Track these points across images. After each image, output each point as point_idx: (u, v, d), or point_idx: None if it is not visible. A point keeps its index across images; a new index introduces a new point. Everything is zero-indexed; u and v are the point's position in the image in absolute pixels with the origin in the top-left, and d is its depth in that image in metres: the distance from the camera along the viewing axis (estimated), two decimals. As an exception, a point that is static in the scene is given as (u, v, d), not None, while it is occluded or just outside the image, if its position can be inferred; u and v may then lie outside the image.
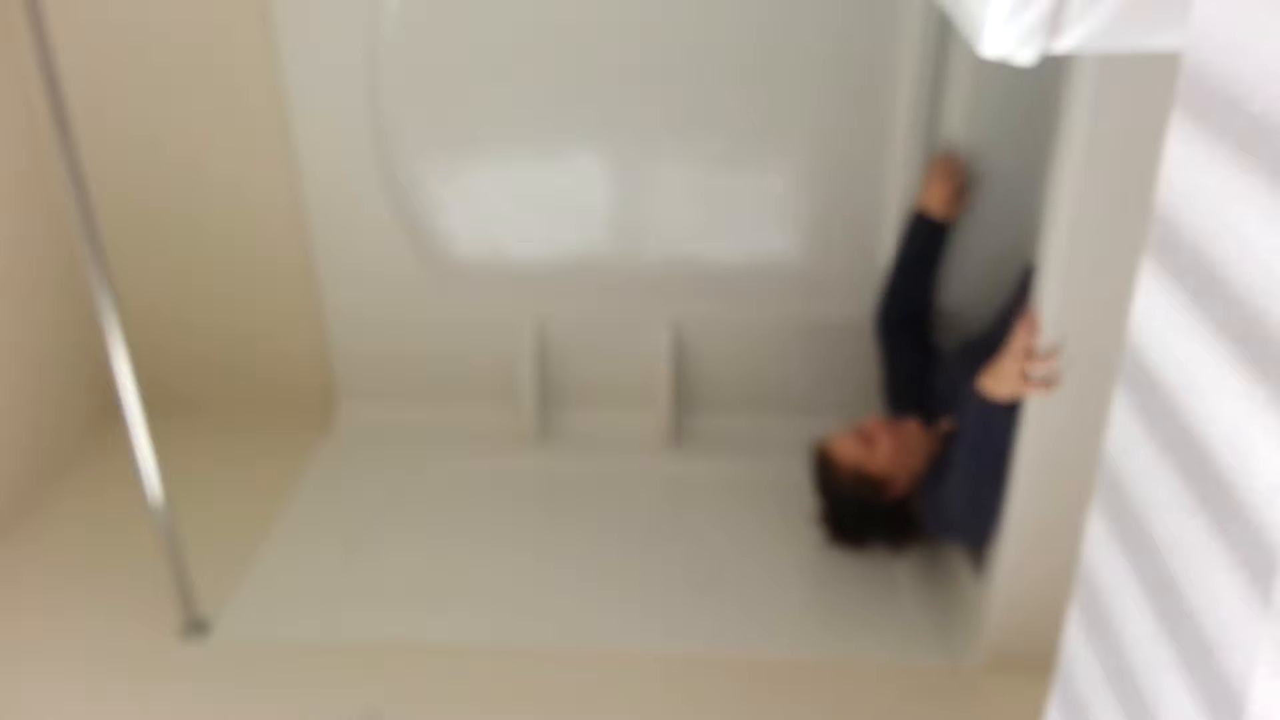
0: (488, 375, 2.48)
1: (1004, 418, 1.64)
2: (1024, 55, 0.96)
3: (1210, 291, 0.59)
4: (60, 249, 2.33)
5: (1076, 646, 0.78)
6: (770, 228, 2.31)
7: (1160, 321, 0.65)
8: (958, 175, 2.06)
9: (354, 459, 2.41)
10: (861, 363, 2.39)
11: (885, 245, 2.29)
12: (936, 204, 2.07)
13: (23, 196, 2.25)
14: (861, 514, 2.04)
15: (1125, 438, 0.70)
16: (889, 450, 1.97)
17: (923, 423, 2.04)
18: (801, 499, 2.20)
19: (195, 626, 1.91)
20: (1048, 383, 1.52)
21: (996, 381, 1.61)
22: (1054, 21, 0.93)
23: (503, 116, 2.25)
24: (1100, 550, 0.74)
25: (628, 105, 2.22)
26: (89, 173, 1.66)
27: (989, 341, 1.85)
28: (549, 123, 2.25)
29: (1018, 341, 1.55)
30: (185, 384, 2.54)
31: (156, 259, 2.43)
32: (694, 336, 2.42)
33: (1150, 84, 1.28)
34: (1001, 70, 1.94)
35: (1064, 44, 0.94)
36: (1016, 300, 1.92)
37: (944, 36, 2.10)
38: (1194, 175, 0.61)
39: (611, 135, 2.25)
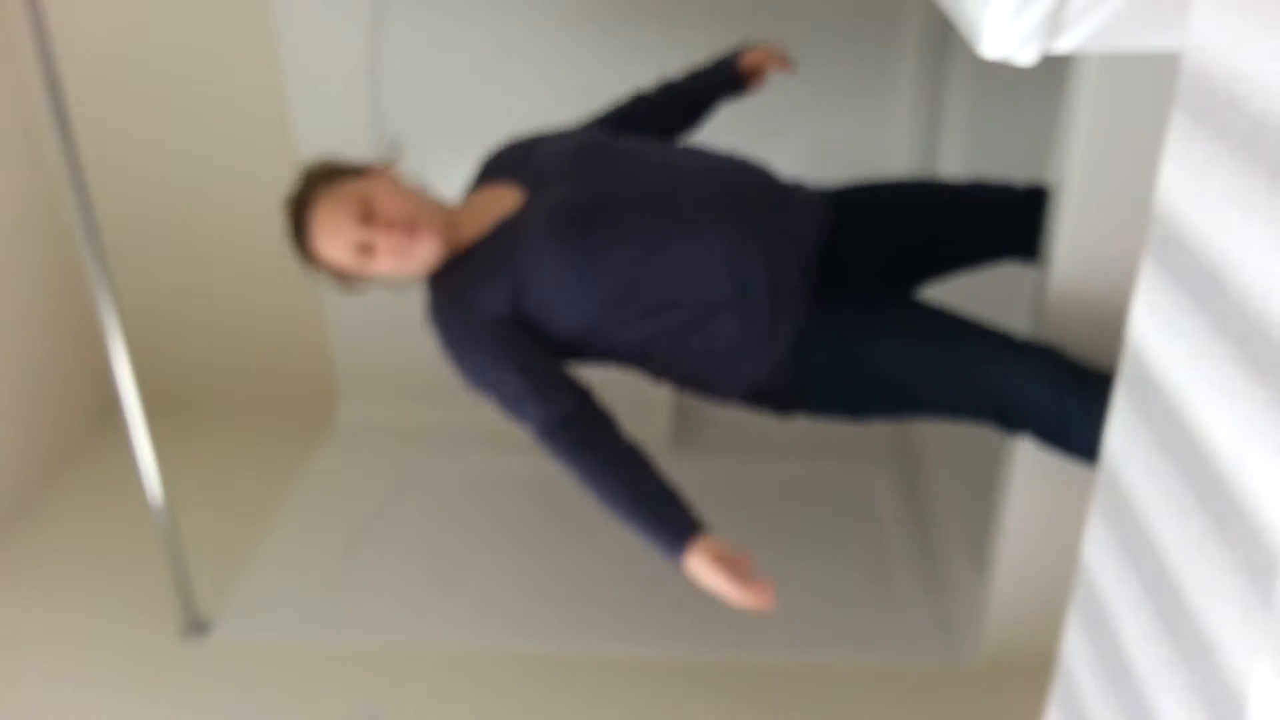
0: (488, 375, 2.48)
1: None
2: (1024, 56, 0.96)
3: (1210, 292, 0.59)
4: (61, 249, 2.33)
5: (1076, 646, 0.78)
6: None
7: (1160, 321, 0.65)
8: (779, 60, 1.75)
9: (354, 459, 2.41)
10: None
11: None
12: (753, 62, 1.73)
13: (23, 197, 2.25)
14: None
15: (1125, 437, 0.70)
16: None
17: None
18: (801, 499, 2.20)
19: (195, 626, 1.91)
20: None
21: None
22: (1054, 22, 0.93)
23: (502, 117, 2.24)
24: (1100, 550, 0.74)
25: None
26: (89, 174, 1.66)
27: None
28: (548, 123, 2.25)
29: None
30: (185, 384, 2.54)
31: (157, 259, 2.43)
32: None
33: (1150, 84, 1.28)
34: (1002, 71, 1.94)
35: (1064, 44, 0.94)
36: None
37: (944, 36, 2.10)
38: (1194, 175, 0.61)
39: (612, 135, 2.25)
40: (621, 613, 1.97)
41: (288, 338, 2.52)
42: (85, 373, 2.44)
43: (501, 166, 1.67)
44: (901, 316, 1.48)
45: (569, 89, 2.22)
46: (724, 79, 1.77)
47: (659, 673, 1.83)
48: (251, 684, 1.81)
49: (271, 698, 1.79)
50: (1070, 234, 1.42)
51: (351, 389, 2.52)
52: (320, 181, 1.53)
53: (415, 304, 2.42)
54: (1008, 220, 1.60)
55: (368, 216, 1.48)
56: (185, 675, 1.83)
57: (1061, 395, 1.36)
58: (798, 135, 2.23)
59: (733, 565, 1.34)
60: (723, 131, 2.22)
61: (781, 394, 1.48)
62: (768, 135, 2.23)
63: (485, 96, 2.22)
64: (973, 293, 2.21)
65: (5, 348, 2.21)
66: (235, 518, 2.21)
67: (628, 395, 2.47)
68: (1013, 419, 1.43)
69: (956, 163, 2.15)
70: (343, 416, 2.52)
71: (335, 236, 1.48)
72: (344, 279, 1.56)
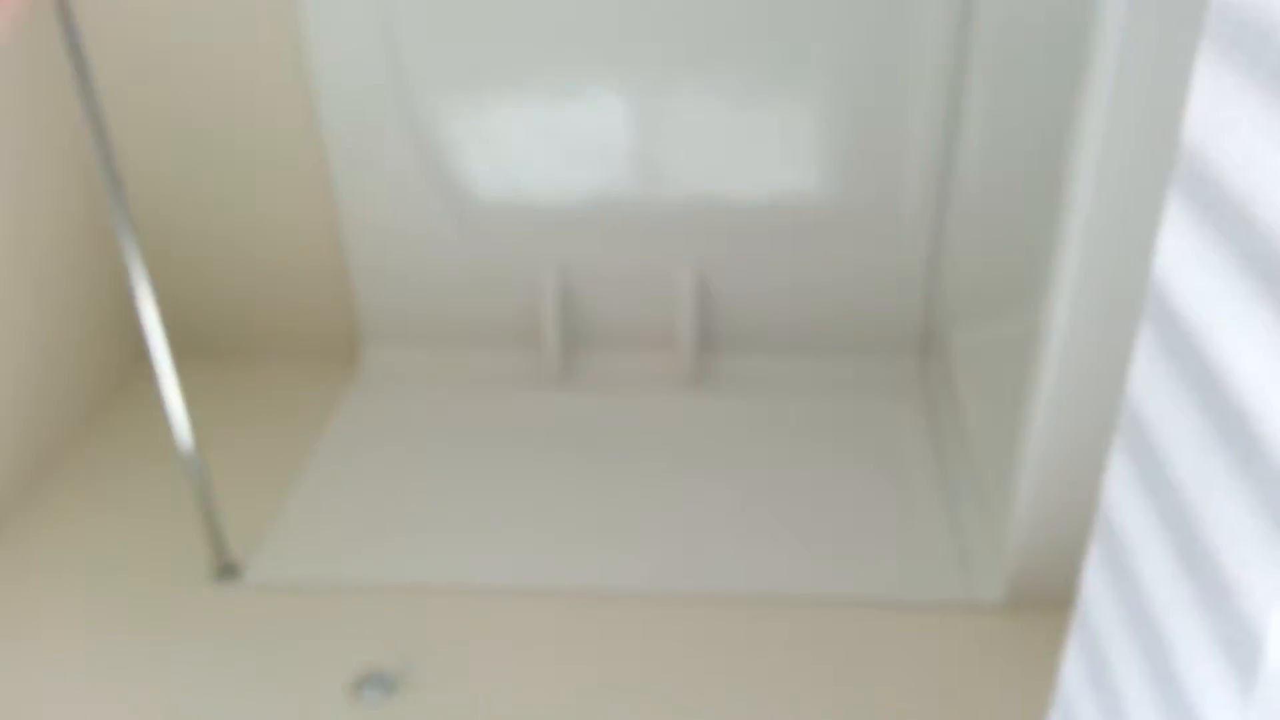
0: (510, 318, 2.49)
1: None
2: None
3: (1237, 227, 0.58)
4: (84, 195, 2.34)
5: (1096, 584, 0.78)
6: (793, 165, 2.28)
7: (1186, 257, 0.64)
8: None
9: (380, 402, 2.43)
10: (884, 301, 2.37)
11: (910, 183, 2.26)
12: None
13: (44, 143, 2.25)
14: None
15: (1149, 375, 0.69)
16: None
17: None
18: (821, 436, 2.20)
19: (227, 570, 1.95)
20: None
21: None
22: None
23: (522, 55, 2.22)
24: (1121, 488, 0.73)
25: (648, 42, 2.18)
26: (110, 121, 1.66)
27: None
28: (569, 61, 2.22)
29: None
30: (212, 329, 2.57)
31: (182, 206, 2.43)
32: (716, 277, 2.41)
33: (1179, 14, 1.25)
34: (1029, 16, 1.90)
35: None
36: None
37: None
38: (1223, 107, 0.60)
39: (632, 73, 2.23)
40: (646, 551, 1.99)
41: (312, 283, 2.53)
42: (112, 319, 2.46)
43: None
44: None
45: (589, 26, 2.19)
46: None
47: (678, 608, 1.86)
48: (284, 626, 1.85)
49: (304, 640, 1.82)
50: (1097, 168, 1.39)
51: (376, 333, 2.54)
52: None
53: (437, 248, 2.42)
54: None
55: None
56: (217, 619, 1.87)
57: None
58: (822, 59, 2.19)
59: None
60: (747, 68, 2.19)
61: None
62: (791, 63, 2.20)
63: (504, 35, 2.19)
64: (977, 252, 2.18)
65: (30, 295, 2.23)
66: (264, 462, 2.24)
67: (648, 331, 2.48)
68: None
69: (981, 109, 2.11)
70: (368, 361, 2.54)
71: None
72: None
